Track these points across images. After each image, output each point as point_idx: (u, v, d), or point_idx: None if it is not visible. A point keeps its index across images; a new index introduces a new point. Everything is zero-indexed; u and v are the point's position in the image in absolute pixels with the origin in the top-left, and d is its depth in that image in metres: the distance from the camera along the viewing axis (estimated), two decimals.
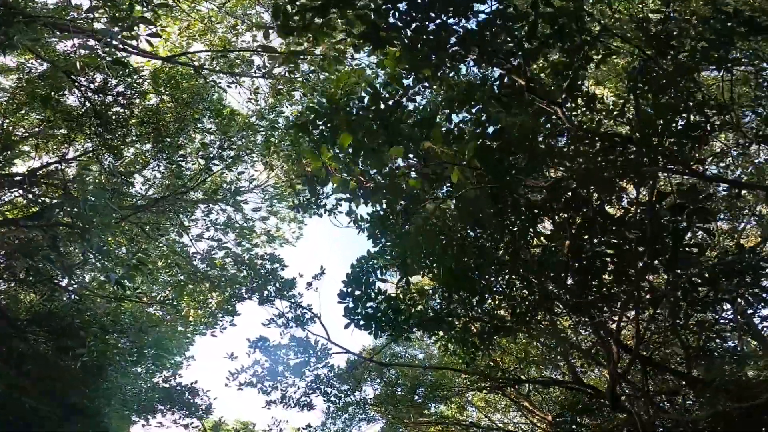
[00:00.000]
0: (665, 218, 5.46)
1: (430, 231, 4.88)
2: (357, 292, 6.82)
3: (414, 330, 7.11)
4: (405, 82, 4.40)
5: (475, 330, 7.64)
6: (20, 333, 9.31)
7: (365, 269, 6.87)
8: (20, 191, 9.31)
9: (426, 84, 4.47)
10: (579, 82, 4.03)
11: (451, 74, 4.34)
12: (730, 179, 6.79)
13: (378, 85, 4.09)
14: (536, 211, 5.85)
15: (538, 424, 11.79)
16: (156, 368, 11.46)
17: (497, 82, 4.08)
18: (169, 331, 11.11)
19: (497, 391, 10.53)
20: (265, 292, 8.01)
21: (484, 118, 4.07)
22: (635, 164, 3.91)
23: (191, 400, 11.57)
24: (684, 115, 4.62)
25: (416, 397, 11.55)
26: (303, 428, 10.00)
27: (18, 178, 9.55)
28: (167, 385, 11.64)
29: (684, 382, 8.06)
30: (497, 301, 7.27)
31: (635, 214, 5.79)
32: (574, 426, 8.62)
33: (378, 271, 6.93)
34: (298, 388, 8.53)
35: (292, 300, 8.04)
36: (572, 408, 8.70)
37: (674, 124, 4.53)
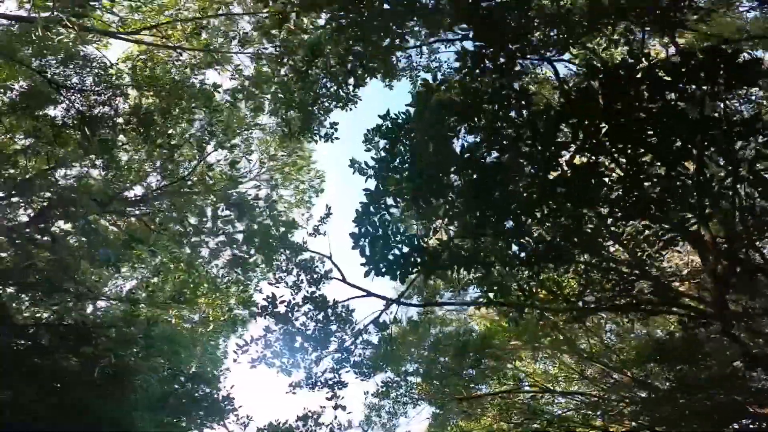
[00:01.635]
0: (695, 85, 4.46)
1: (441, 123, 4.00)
2: (370, 235, 5.94)
3: (445, 269, 6.10)
4: None
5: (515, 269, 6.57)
6: (40, 348, 8.91)
7: (377, 207, 6.00)
8: (16, 197, 9.04)
9: None
10: None
11: None
12: None
13: None
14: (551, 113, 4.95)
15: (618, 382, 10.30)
16: (182, 375, 10.74)
17: None
18: (189, 334, 10.46)
19: (572, 322, 8.65)
20: (275, 260, 7.24)
21: None
22: None
23: (224, 408, 10.64)
24: None
25: (463, 370, 10.43)
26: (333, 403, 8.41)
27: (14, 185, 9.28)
28: (197, 395, 10.78)
29: None
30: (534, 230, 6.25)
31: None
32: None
33: (391, 209, 6.06)
34: (322, 359, 7.40)
35: (303, 253, 7.18)
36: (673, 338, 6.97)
37: None
